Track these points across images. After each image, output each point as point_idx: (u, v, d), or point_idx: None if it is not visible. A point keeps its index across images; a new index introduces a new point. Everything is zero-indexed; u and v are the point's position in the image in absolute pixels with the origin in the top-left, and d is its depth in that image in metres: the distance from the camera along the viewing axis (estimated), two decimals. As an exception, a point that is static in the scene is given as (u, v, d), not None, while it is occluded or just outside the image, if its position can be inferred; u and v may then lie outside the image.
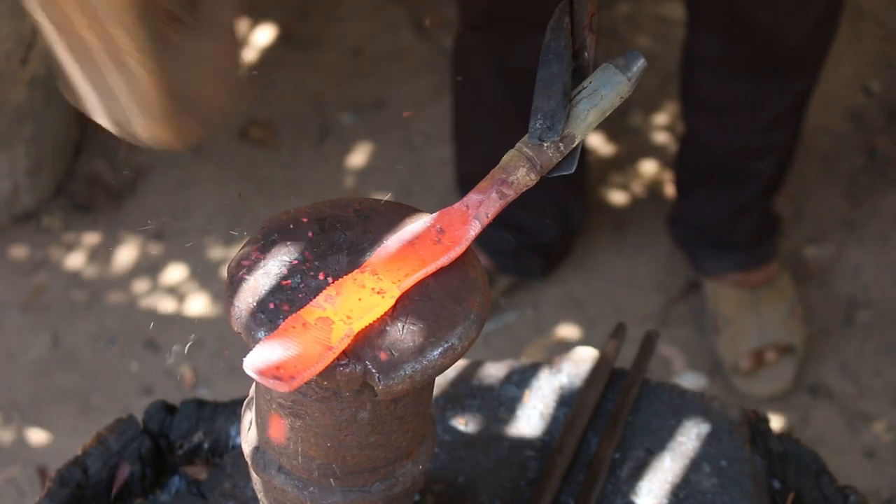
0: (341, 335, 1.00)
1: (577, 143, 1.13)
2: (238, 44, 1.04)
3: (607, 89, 1.15)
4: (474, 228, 1.10)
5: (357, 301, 1.03)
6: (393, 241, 1.09)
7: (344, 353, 1.03)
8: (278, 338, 1.00)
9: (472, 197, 1.11)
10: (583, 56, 1.16)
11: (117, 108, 0.98)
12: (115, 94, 0.97)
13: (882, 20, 3.27)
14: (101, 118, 1.00)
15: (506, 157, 1.13)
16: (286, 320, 1.01)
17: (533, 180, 1.13)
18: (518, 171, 1.12)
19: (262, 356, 0.98)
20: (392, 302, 1.04)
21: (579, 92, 1.14)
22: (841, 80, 3.14)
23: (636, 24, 3.26)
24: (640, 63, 1.16)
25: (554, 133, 1.12)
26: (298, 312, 1.02)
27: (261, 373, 0.97)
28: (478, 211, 1.11)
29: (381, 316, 1.04)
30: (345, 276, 1.05)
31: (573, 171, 1.14)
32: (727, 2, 2.30)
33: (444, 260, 1.08)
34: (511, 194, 1.12)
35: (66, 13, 0.92)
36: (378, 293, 1.04)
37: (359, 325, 1.02)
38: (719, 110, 2.49)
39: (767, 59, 2.37)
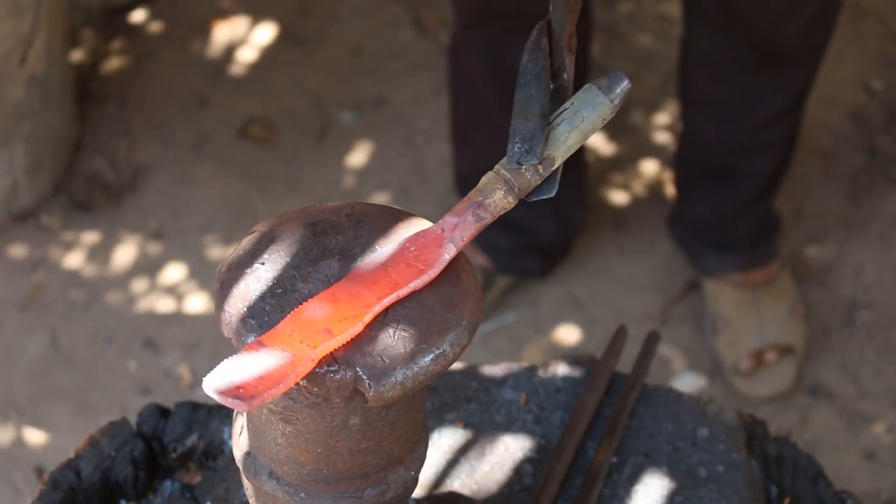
0: (305, 359, 0.99)
1: (556, 165, 1.12)
2: None
3: (589, 111, 1.12)
4: (449, 252, 1.08)
5: (324, 325, 1.02)
6: (365, 264, 1.08)
7: (335, 359, 1.02)
8: (240, 359, 0.99)
9: (448, 220, 1.10)
10: (562, 77, 1.14)
11: None
12: None
13: (883, 19, 3.26)
14: None
15: (483, 180, 1.11)
16: (249, 344, 1.00)
17: (511, 203, 1.11)
18: (495, 195, 1.10)
19: (222, 376, 0.97)
20: (361, 328, 1.03)
21: (560, 113, 1.12)
22: (842, 79, 3.13)
23: (637, 22, 3.25)
24: (624, 85, 1.13)
25: (532, 156, 1.10)
26: (261, 337, 1.01)
27: (221, 392, 0.96)
28: (453, 234, 1.09)
29: (362, 330, 1.03)
30: (311, 299, 1.04)
31: (553, 194, 1.12)
32: None
33: (416, 283, 1.06)
34: (488, 217, 1.10)
35: None
36: (345, 318, 1.03)
37: (322, 350, 1.01)
38: (716, 107, 2.49)
39: (763, 56, 2.36)
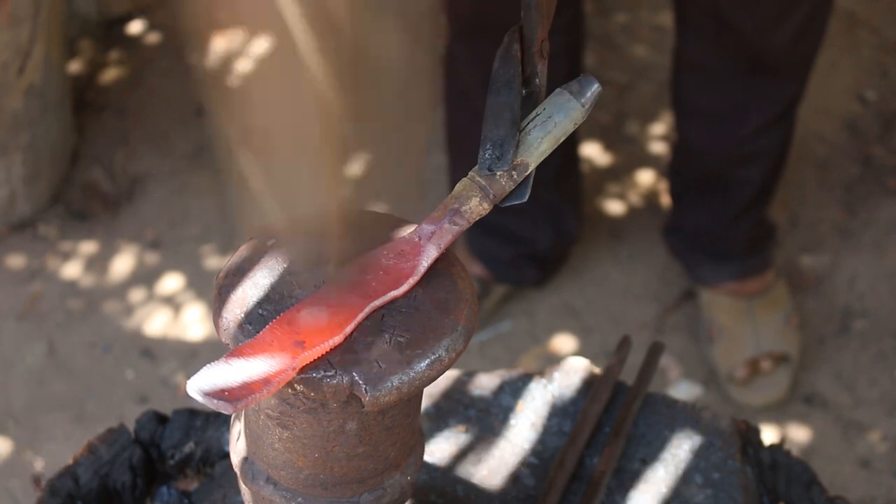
0: (286, 368, 1.00)
1: (530, 171, 1.13)
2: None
3: (561, 116, 1.13)
4: (427, 259, 1.09)
5: (305, 334, 1.03)
6: (345, 273, 1.08)
7: (331, 364, 1.03)
8: (223, 365, 1.00)
9: (425, 227, 1.11)
10: (534, 82, 1.15)
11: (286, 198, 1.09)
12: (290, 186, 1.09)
13: (877, 29, 3.28)
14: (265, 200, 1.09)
15: (458, 186, 1.12)
16: (234, 349, 1.01)
17: (486, 209, 1.12)
18: (471, 201, 1.11)
19: (207, 379, 0.98)
20: (341, 338, 1.04)
21: (532, 119, 1.13)
22: (836, 88, 3.14)
23: (632, 33, 3.26)
24: (595, 88, 1.14)
25: (504, 163, 1.11)
26: (243, 345, 1.02)
27: (206, 394, 0.97)
28: (430, 241, 1.10)
29: (341, 341, 1.04)
30: (293, 308, 1.05)
31: (526, 199, 1.13)
32: (711, 7, 2.30)
33: (395, 293, 1.07)
34: (464, 224, 1.11)
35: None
36: (326, 327, 1.04)
37: (303, 359, 1.02)
38: (708, 116, 2.50)
39: (753, 64, 2.37)
